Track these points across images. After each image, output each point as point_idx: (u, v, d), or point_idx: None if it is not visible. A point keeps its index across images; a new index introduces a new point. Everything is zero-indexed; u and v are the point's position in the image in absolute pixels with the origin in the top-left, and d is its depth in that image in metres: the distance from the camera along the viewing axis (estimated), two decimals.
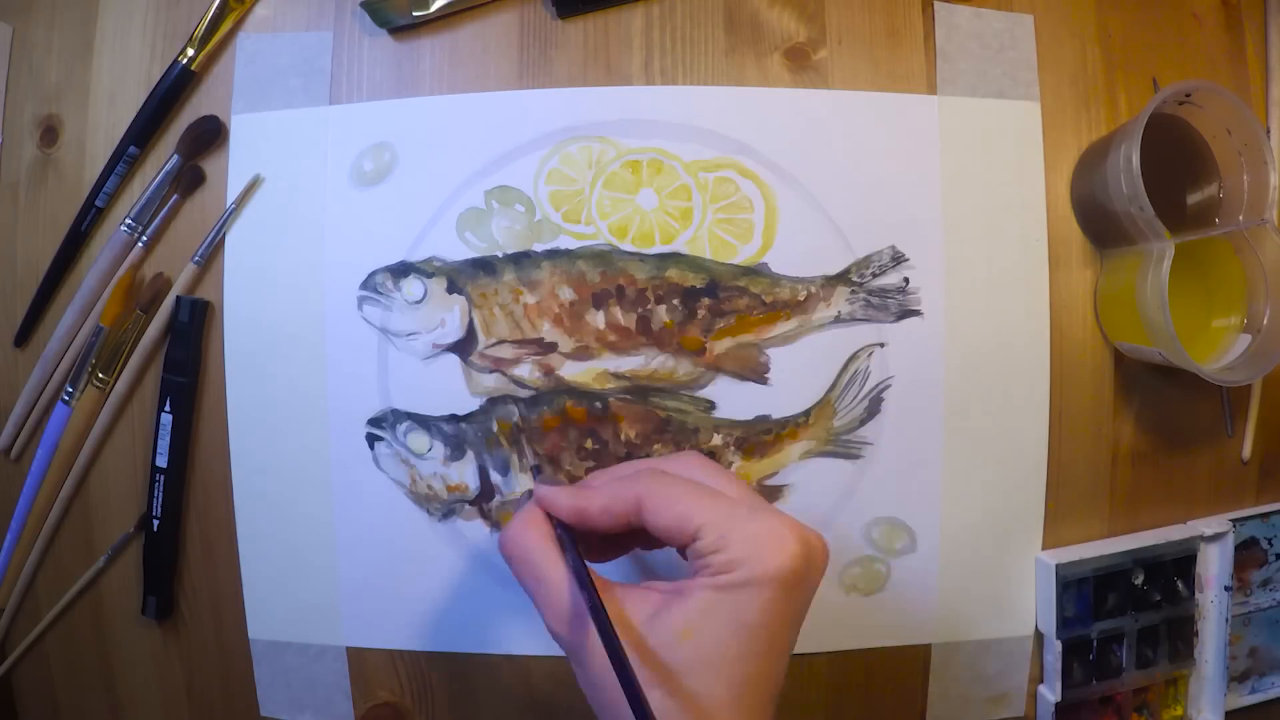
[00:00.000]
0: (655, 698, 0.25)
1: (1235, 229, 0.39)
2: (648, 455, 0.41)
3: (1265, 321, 0.40)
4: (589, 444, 0.41)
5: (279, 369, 0.42)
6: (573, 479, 0.41)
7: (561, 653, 0.41)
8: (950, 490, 0.42)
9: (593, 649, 0.27)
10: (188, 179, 0.42)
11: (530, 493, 0.35)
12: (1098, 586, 0.41)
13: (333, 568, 0.42)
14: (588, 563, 0.29)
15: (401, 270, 0.41)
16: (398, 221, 0.41)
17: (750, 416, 0.41)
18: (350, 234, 0.41)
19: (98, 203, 0.42)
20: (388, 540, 0.42)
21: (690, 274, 0.41)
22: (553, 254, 0.41)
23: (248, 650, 0.42)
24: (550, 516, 0.31)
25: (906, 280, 0.41)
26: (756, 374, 0.41)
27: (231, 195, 0.42)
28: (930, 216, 0.42)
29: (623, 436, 0.41)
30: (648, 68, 0.42)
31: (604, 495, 0.30)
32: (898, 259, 0.41)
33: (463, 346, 0.41)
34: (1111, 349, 0.43)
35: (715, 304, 0.41)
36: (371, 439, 0.41)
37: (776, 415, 0.41)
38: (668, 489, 0.29)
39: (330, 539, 0.42)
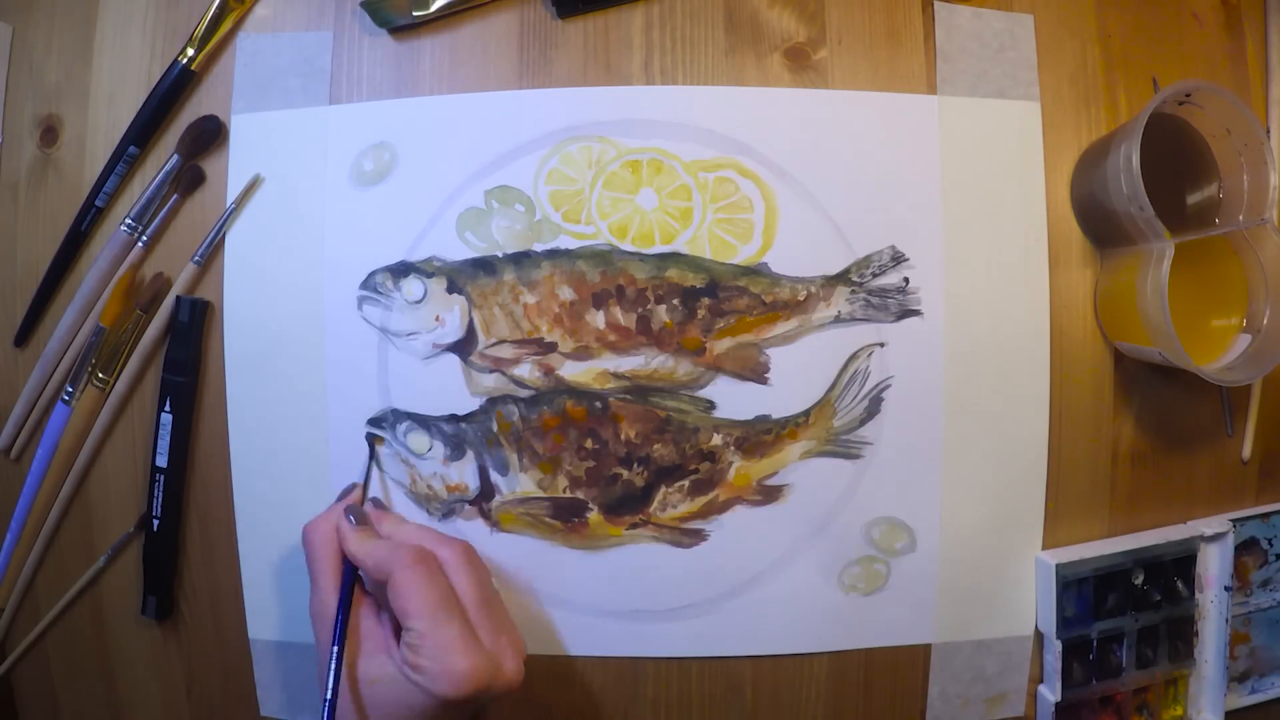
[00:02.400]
0: (343, 704, 0.33)
1: (1235, 229, 0.39)
2: (647, 455, 0.41)
3: (1265, 321, 0.40)
4: (589, 444, 0.41)
5: (279, 369, 0.42)
6: (573, 479, 0.41)
7: (560, 654, 0.41)
8: (950, 490, 0.42)
9: (324, 643, 0.34)
10: (188, 179, 0.42)
11: (347, 493, 0.41)
12: (1098, 586, 0.41)
13: None
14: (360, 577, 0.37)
15: (401, 270, 0.41)
16: (398, 221, 0.41)
17: (750, 416, 0.41)
18: (350, 234, 0.41)
19: (98, 203, 0.42)
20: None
21: (690, 274, 0.41)
22: (553, 254, 0.41)
23: (248, 650, 0.42)
24: None
25: (906, 280, 0.41)
26: (756, 374, 0.41)
27: (231, 195, 0.42)
28: (930, 216, 0.42)
29: (623, 436, 0.41)
30: (648, 68, 0.42)
31: (372, 557, 0.35)
32: (898, 259, 0.41)
33: (463, 346, 0.41)
34: (1111, 349, 0.43)
35: (715, 304, 0.41)
36: (372, 439, 0.41)
37: (776, 415, 0.41)
38: (410, 580, 0.34)
39: None
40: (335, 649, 0.33)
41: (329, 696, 0.32)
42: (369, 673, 0.34)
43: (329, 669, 0.33)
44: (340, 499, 0.40)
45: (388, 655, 0.34)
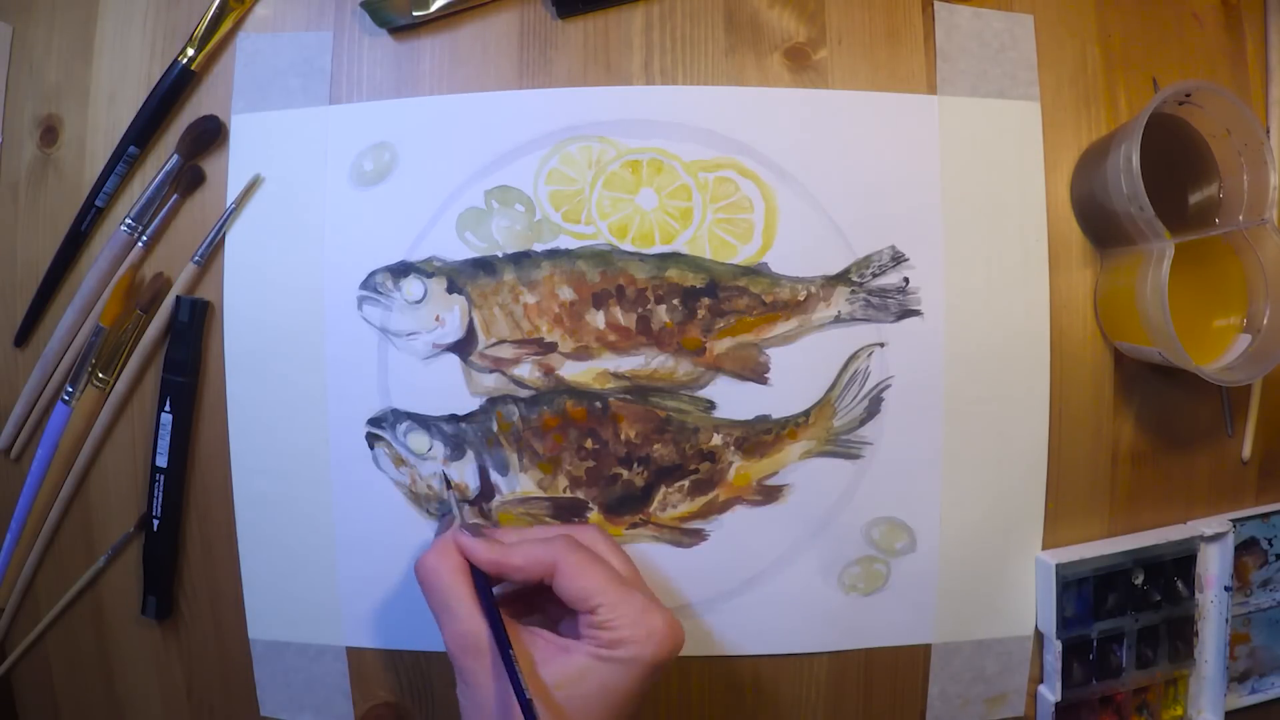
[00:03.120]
0: None
1: (1235, 229, 0.39)
2: (647, 455, 0.41)
3: (1265, 321, 0.40)
4: (589, 444, 0.41)
5: (279, 369, 0.42)
6: (573, 479, 0.41)
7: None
8: (950, 490, 0.42)
9: (482, 673, 0.32)
10: (188, 179, 0.42)
11: (445, 524, 0.40)
12: (1098, 586, 0.41)
13: (333, 568, 0.42)
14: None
15: (401, 270, 0.41)
16: (398, 221, 0.41)
17: (750, 416, 0.41)
18: (350, 234, 0.41)
19: (98, 203, 0.42)
20: (388, 540, 0.42)
21: (690, 274, 0.41)
22: (553, 254, 0.41)
23: (248, 650, 0.42)
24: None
25: (906, 280, 0.41)
26: (756, 374, 0.41)
27: (231, 195, 0.42)
28: (930, 216, 0.42)
29: (623, 436, 0.41)
30: (648, 68, 0.42)
31: (523, 555, 0.34)
32: (898, 259, 0.41)
33: (463, 346, 0.41)
34: (1111, 349, 0.43)
35: (715, 304, 0.41)
36: (371, 439, 0.41)
37: (776, 415, 0.41)
38: (581, 562, 0.33)
39: (330, 539, 0.42)
40: (507, 657, 0.31)
41: (525, 697, 0.30)
42: (552, 679, 0.32)
43: (518, 694, 0.30)
44: (441, 531, 0.40)
45: (567, 654, 0.33)
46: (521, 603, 0.38)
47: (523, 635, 0.34)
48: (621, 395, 0.41)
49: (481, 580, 0.34)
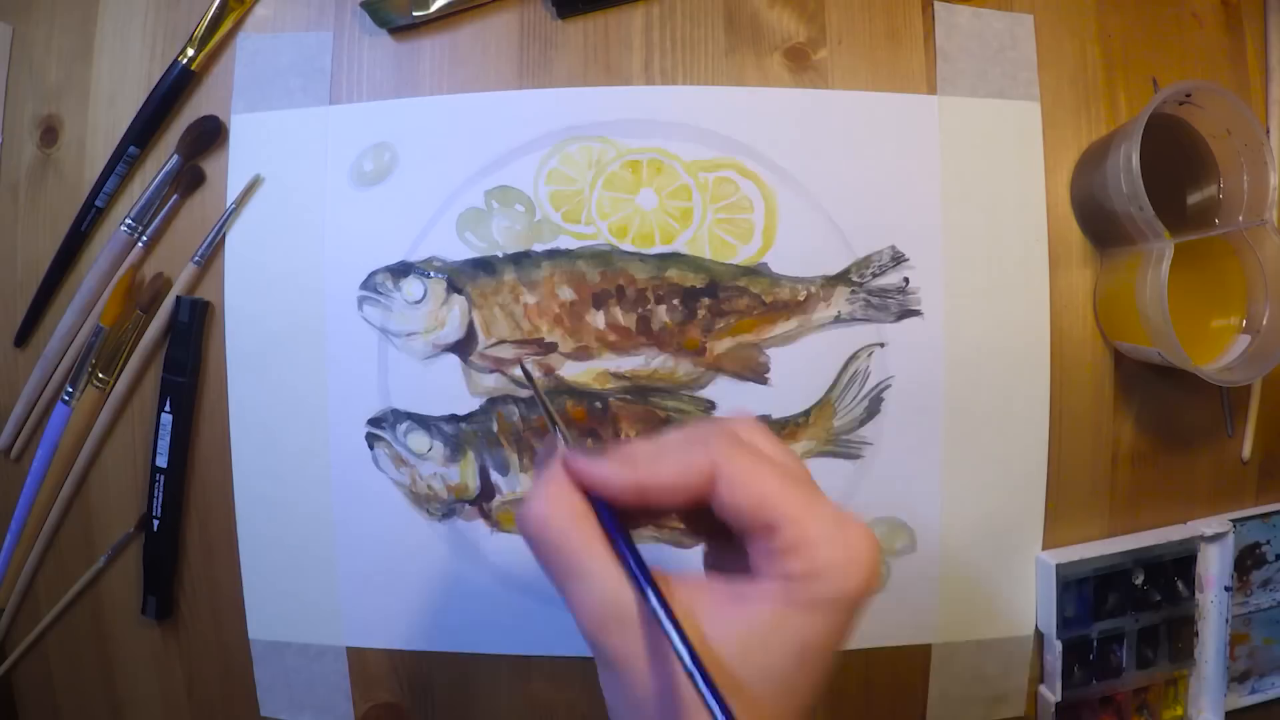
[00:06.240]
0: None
1: (1235, 229, 0.39)
2: None
3: (1265, 321, 0.40)
4: (589, 444, 0.41)
5: (279, 369, 0.42)
6: None
7: (560, 654, 0.40)
8: (950, 490, 0.42)
9: (633, 651, 0.23)
10: (188, 179, 0.42)
11: (548, 450, 0.29)
12: (1098, 586, 0.41)
13: (333, 568, 0.42)
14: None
15: (401, 270, 0.41)
16: (398, 221, 0.41)
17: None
18: (350, 234, 0.41)
19: (98, 203, 0.42)
20: (388, 540, 0.42)
21: (690, 274, 0.41)
22: (553, 254, 0.41)
23: (248, 650, 0.42)
24: (583, 490, 0.25)
25: (906, 280, 0.41)
26: (756, 374, 0.41)
27: (231, 195, 0.42)
28: (930, 216, 0.42)
29: (623, 436, 0.41)
30: (648, 68, 0.42)
31: (674, 466, 0.24)
32: (898, 259, 0.41)
33: (463, 346, 0.41)
34: (1111, 349, 0.43)
35: (715, 304, 0.41)
36: (371, 439, 0.41)
37: (776, 415, 0.41)
38: (748, 463, 0.23)
39: (330, 539, 0.42)
40: (673, 626, 0.22)
41: (717, 703, 0.20)
42: (732, 642, 0.23)
43: (684, 656, 0.21)
44: (542, 465, 0.28)
45: (744, 604, 0.23)
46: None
47: (678, 588, 0.24)
48: (621, 395, 0.41)
49: (614, 523, 0.24)
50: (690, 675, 0.21)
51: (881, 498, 0.42)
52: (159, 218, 0.42)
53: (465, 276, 0.41)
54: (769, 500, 0.23)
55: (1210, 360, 0.40)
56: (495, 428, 0.41)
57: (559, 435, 0.27)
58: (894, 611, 0.42)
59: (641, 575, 0.23)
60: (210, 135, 0.42)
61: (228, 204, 0.42)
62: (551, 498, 0.24)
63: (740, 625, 0.23)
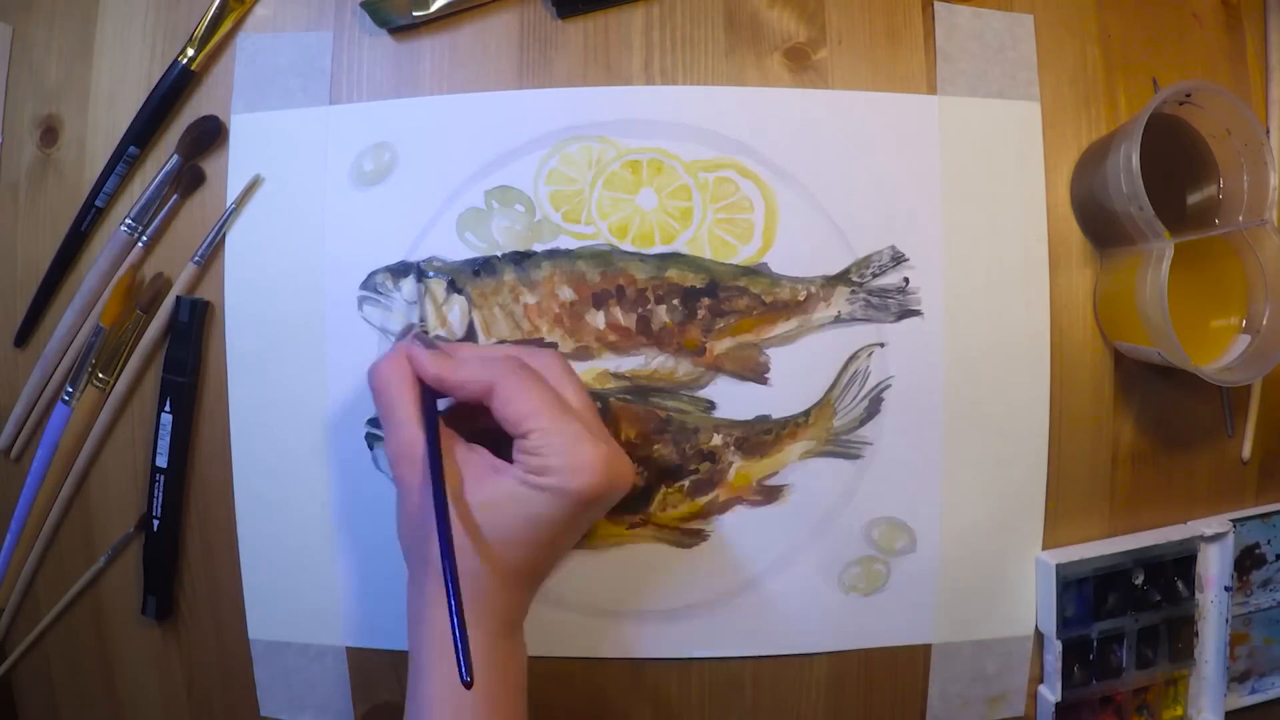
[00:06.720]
0: (457, 538, 0.31)
1: (1235, 229, 0.39)
2: (648, 455, 0.41)
3: (1265, 321, 0.40)
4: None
5: (279, 369, 0.42)
6: None
7: (560, 654, 0.40)
8: (950, 490, 0.42)
9: (414, 483, 0.32)
10: (188, 179, 0.42)
11: (406, 333, 0.39)
12: (1098, 586, 0.41)
13: (333, 568, 0.42)
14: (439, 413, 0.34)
15: (401, 270, 0.41)
16: (398, 221, 0.41)
17: (750, 416, 0.41)
18: (350, 234, 0.41)
19: (98, 203, 0.42)
20: (388, 540, 0.41)
21: (690, 274, 0.41)
22: (553, 254, 0.41)
23: (248, 650, 0.42)
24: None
25: (906, 280, 0.41)
26: (756, 374, 0.41)
27: (231, 195, 0.42)
28: (930, 216, 0.42)
29: (623, 436, 0.41)
30: (648, 68, 0.42)
31: (464, 371, 0.33)
32: (898, 259, 0.41)
33: None
34: (1111, 349, 0.43)
35: (715, 304, 0.41)
36: (371, 439, 0.41)
37: (776, 415, 0.41)
38: (518, 385, 0.32)
39: (330, 539, 0.42)
40: (434, 466, 0.31)
41: (440, 524, 0.30)
42: (479, 497, 0.32)
43: (435, 501, 0.30)
44: (400, 338, 0.39)
45: (497, 475, 0.32)
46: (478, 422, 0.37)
47: (459, 452, 0.33)
48: (622, 395, 0.41)
49: (428, 393, 0.34)
50: (436, 510, 0.30)
51: (881, 498, 0.42)
52: (159, 218, 0.42)
53: (465, 276, 0.41)
54: (524, 413, 0.32)
55: (1210, 360, 0.40)
56: None
57: (416, 321, 0.39)
58: (894, 611, 0.42)
59: (430, 431, 0.33)
60: (210, 135, 0.42)
61: (228, 204, 0.42)
62: (391, 362, 0.34)
63: (490, 489, 0.32)
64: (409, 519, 0.33)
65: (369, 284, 0.41)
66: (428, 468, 0.32)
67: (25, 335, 0.43)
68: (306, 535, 0.42)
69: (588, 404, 0.35)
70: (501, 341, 0.41)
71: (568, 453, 0.31)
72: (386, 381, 0.34)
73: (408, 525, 0.34)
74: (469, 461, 0.33)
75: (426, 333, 0.38)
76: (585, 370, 0.41)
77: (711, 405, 0.41)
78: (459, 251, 0.41)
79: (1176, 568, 0.42)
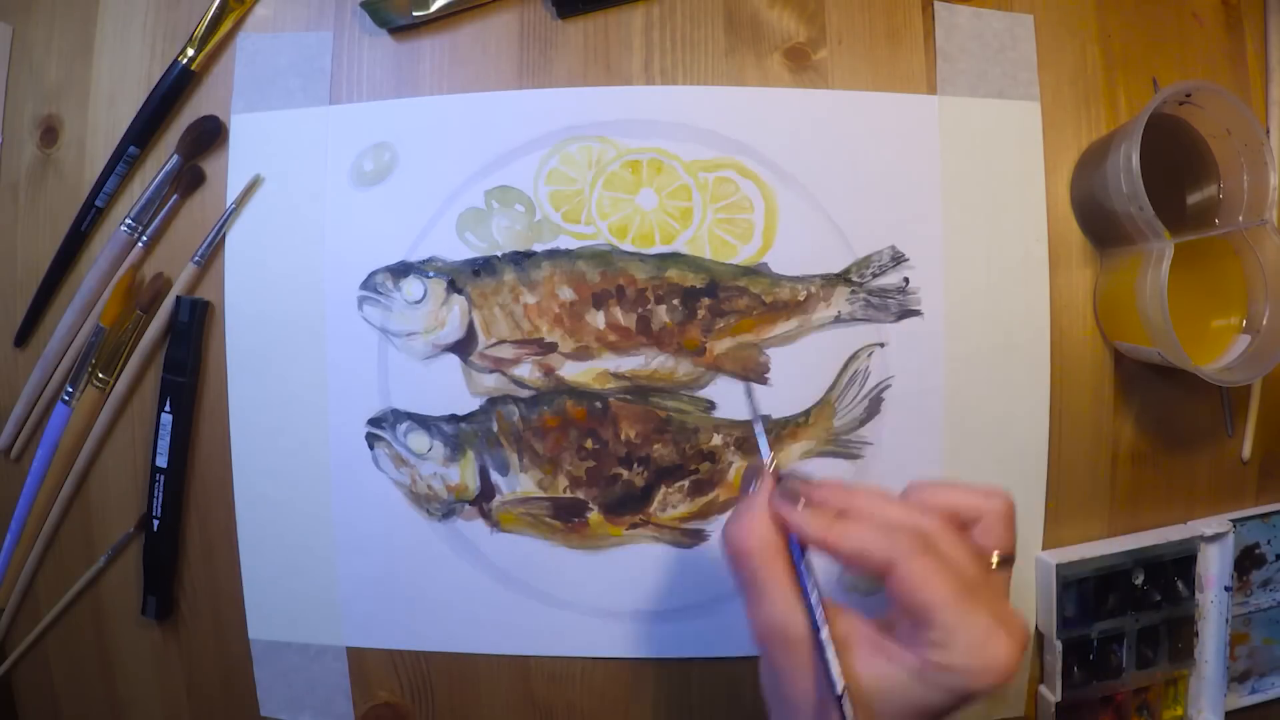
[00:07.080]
0: None
1: (1235, 229, 0.39)
2: (647, 455, 0.41)
3: (1265, 321, 0.40)
4: (589, 444, 0.41)
5: (279, 369, 0.42)
6: (573, 479, 0.41)
7: (560, 654, 0.40)
8: None
9: (796, 668, 0.28)
10: (188, 179, 0.42)
11: (755, 475, 0.32)
12: (1098, 586, 0.41)
13: (333, 568, 0.42)
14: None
15: (401, 270, 0.41)
16: (398, 221, 0.41)
17: (750, 417, 0.41)
18: (350, 234, 0.41)
19: (98, 203, 0.42)
20: (388, 540, 0.42)
21: (690, 274, 0.41)
22: (553, 254, 0.41)
23: (248, 650, 0.42)
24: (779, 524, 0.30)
25: (906, 280, 0.41)
26: (756, 374, 0.41)
27: (231, 195, 0.42)
28: (930, 216, 0.42)
29: (623, 436, 0.41)
30: (648, 68, 0.42)
31: (855, 543, 0.28)
32: (898, 259, 0.41)
33: (463, 346, 0.41)
34: (1111, 349, 0.43)
35: (715, 304, 0.41)
36: (371, 439, 0.41)
37: (776, 415, 0.41)
38: (923, 570, 0.27)
39: (330, 539, 0.42)
40: (825, 659, 0.27)
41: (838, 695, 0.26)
42: (865, 680, 0.28)
43: (829, 688, 0.27)
44: (749, 487, 0.32)
45: (886, 660, 0.28)
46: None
47: (844, 619, 0.29)
48: (621, 395, 0.41)
49: (801, 561, 0.29)
50: (839, 702, 0.26)
51: None
52: (159, 218, 0.42)
53: (465, 276, 0.41)
54: (931, 606, 0.27)
55: (1210, 360, 0.40)
56: (495, 428, 0.41)
57: (765, 458, 0.31)
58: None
59: (814, 615, 0.28)
60: (210, 135, 0.42)
61: (228, 204, 0.42)
62: (752, 528, 0.29)
63: (877, 674, 0.28)
64: (790, 709, 0.29)
65: (369, 284, 0.41)
66: (816, 658, 0.28)
67: (25, 335, 0.43)
68: (306, 535, 0.42)
69: (984, 572, 0.29)
70: (511, 342, 0.41)
71: (975, 654, 0.27)
72: (751, 546, 0.29)
73: (787, 710, 0.29)
74: (852, 637, 0.29)
75: (778, 469, 0.31)
76: (585, 370, 0.41)
77: (711, 405, 0.41)
78: (459, 251, 0.41)
79: (1176, 568, 0.42)
